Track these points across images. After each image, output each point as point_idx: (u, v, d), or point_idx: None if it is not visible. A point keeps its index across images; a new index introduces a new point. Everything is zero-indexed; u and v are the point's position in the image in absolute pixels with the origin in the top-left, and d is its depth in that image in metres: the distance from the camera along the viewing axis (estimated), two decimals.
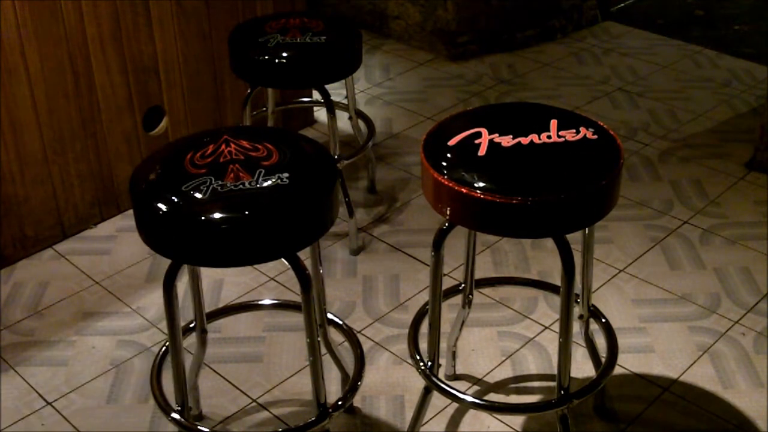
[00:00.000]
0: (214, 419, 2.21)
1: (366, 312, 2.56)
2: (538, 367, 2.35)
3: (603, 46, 4.25)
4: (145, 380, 2.31)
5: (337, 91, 3.35)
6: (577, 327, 1.98)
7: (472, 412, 2.20)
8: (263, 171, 1.66)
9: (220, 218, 1.56)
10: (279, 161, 1.69)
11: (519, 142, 1.73)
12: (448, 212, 1.69)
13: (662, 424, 2.18)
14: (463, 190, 1.63)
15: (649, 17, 4.58)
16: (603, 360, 2.01)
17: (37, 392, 2.29)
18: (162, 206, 1.59)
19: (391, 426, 2.18)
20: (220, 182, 1.63)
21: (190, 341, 2.12)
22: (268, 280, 2.66)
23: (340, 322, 2.12)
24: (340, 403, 1.88)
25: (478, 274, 2.29)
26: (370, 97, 3.77)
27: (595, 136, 1.75)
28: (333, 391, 2.24)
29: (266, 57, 2.50)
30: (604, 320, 2.10)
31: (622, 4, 4.70)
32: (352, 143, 3.22)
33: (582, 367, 2.32)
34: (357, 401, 2.24)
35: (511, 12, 4.17)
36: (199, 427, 1.94)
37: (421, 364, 1.95)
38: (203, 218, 1.56)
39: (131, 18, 2.76)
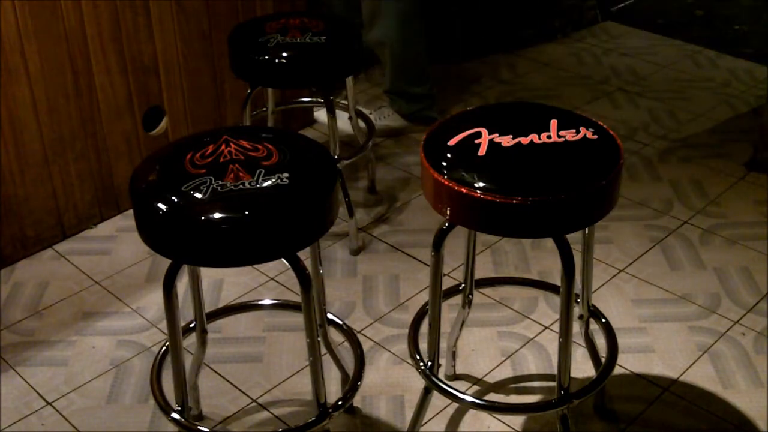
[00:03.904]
0: (214, 419, 2.21)
1: (366, 312, 2.56)
2: (538, 367, 2.35)
3: (603, 46, 4.26)
4: (145, 380, 2.31)
5: (337, 91, 3.35)
6: (577, 327, 1.98)
7: (472, 412, 2.20)
8: (263, 171, 1.66)
9: (220, 218, 1.56)
10: (279, 161, 1.69)
11: (519, 142, 1.73)
12: (448, 212, 1.69)
13: (662, 424, 2.18)
14: (463, 190, 1.63)
15: (649, 17, 4.58)
16: (603, 360, 2.01)
17: (37, 392, 2.29)
18: (162, 206, 1.59)
19: (391, 426, 2.18)
20: (220, 182, 1.63)
21: (190, 341, 2.12)
22: (268, 280, 2.66)
23: (340, 322, 2.12)
24: (340, 403, 1.88)
25: (478, 274, 2.29)
26: (370, 97, 3.76)
27: (595, 136, 1.75)
28: (333, 391, 2.24)
29: (266, 57, 2.50)
30: (604, 320, 2.10)
31: (622, 4, 4.70)
32: (352, 143, 3.22)
33: (582, 367, 2.32)
34: (357, 401, 2.24)
35: (511, 12, 4.17)
36: (199, 427, 1.94)
37: (421, 364, 1.95)
38: (203, 218, 1.56)
39: (131, 18, 2.77)
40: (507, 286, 2.60)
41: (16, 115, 2.61)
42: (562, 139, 1.74)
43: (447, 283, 2.30)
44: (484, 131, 1.76)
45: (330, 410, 1.85)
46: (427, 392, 1.98)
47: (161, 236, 1.62)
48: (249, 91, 2.66)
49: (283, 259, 1.65)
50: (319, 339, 1.84)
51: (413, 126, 3.51)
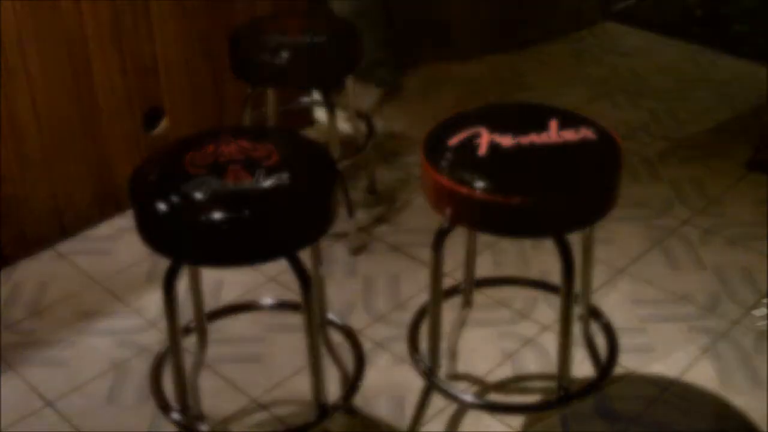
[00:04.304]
0: (214, 419, 2.21)
1: (366, 312, 2.56)
2: (538, 367, 2.35)
3: (603, 46, 4.25)
4: (145, 380, 2.31)
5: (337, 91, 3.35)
6: (577, 327, 1.98)
7: (472, 412, 2.20)
8: (263, 171, 1.66)
9: (220, 218, 1.56)
10: (279, 161, 1.69)
11: (519, 142, 1.73)
12: (448, 212, 1.69)
13: (662, 424, 2.18)
14: (463, 190, 1.63)
15: (649, 17, 4.58)
16: (603, 360, 2.01)
17: (37, 392, 2.29)
18: (162, 206, 1.59)
19: (391, 426, 2.18)
20: (220, 182, 1.63)
21: (190, 341, 2.12)
22: (268, 280, 2.66)
23: (340, 322, 2.12)
24: (340, 403, 1.88)
25: (478, 274, 2.29)
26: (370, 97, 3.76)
27: (595, 136, 1.75)
28: (333, 391, 2.24)
29: (266, 57, 2.50)
30: (604, 320, 2.10)
31: (623, 4, 4.70)
32: (352, 143, 3.22)
33: (582, 367, 2.32)
34: (357, 401, 2.24)
35: (511, 12, 4.17)
36: (199, 427, 1.94)
37: (421, 364, 1.95)
38: (203, 218, 1.56)
39: (131, 18, 2.76)
40: (507, 286, 2.60)
41: (16, 115, 2.61)
42: (562, 139, 1.74)
43: (447, 283, 2.30)
44: (484, 131, 1.76)
45: (330, 410, 1.85)
46: (427, 392, 1.98)
47: (161, 236, 1.62)
48: (249, 91, 2.66)
49: (283, 259, 1.65)
50: (319, 339, 1.84)
51: (414, 125, 3.51)
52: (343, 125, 3.18)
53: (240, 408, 2.24)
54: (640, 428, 2.17)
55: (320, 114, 3.58)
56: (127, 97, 2.85)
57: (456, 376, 2.32)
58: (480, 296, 2.56)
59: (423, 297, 2.57)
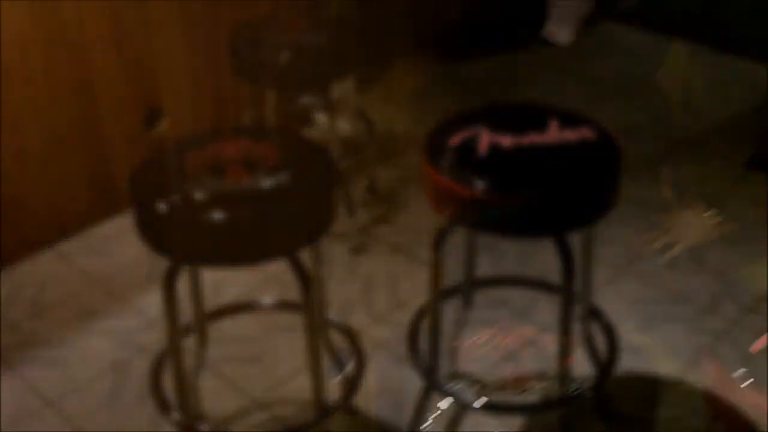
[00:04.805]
0: (214, 419, 2.21)
1: (366, 312, 2.56)
2: (538, 367, 2.35)
3: (603, 46, 4.25)
4: (145, 380, 2.31)
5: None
6: (577, 327, 1.98)
7: (472, 412, 2.20)
8: (263, 171, 1.66)
9: (220, 218, 1.56)
10: (279, 161, 1.69)
11: (519, 142, 1.73)
12: (448, 212, 1.69)
13: (662, 424, 2.18)
14: (463, 190, 1.63)
15: (650, 17, 4.58)
16: (603, 360, 2.01)
17: (37, 392, 2.29)
18: (162, 206, 1.59)
19: (391, 426, 2.18)
20: (220, 182, 1.63)
21: (190, 341, 2.12)
22: (268, 280, 2.66)
23: (340, 323, 2.12)
24: (340, 403, 1.88)
25: (478, 274, 2.29)
26: (370, 97, 3.76)
27: (595, 136, 1.75)
28: (333, 391, 2.24)
29: (266, 57, 2.50)
30: (604, 320, 2.10)
31: (624, 4, 4.70)
32: (352, 143, 3.22)
33: (582, 367, 2.32)
34: (357, 401, 2.24)
35: (511, 11, 4.17)
36: (199, 427, 1.94)
37: (421, 364, 1.95)
38: (203, 218, 1.56)
39: (131, 18, 2.76)
40: (507, 286, 2.60)
41: (16, 115, 2.61)
42: (562, 139, 1.74)
43: (447, 283, 2.30)
44: (484, 131, 1.76)
45: (330, 410, 1.85)
46: (427, 392, 1.98)
47: (161, 236, 1.62)
48: (249, 91, 2.66)
49: (283, 259, 1.65)
50: (319, 339, 1.84)
51: (414, 125, 3.51)
52: (343, 125, 3.18)
53: (240, 408, 2.24)
54: (640, 428, 2.17)
55: (320, 114, 3.58)
56: (127, 97, 2.85)
57: (456, 376, 2.32)
58: (480, 296, 2.56)
59: (423, 297, 2.57)
